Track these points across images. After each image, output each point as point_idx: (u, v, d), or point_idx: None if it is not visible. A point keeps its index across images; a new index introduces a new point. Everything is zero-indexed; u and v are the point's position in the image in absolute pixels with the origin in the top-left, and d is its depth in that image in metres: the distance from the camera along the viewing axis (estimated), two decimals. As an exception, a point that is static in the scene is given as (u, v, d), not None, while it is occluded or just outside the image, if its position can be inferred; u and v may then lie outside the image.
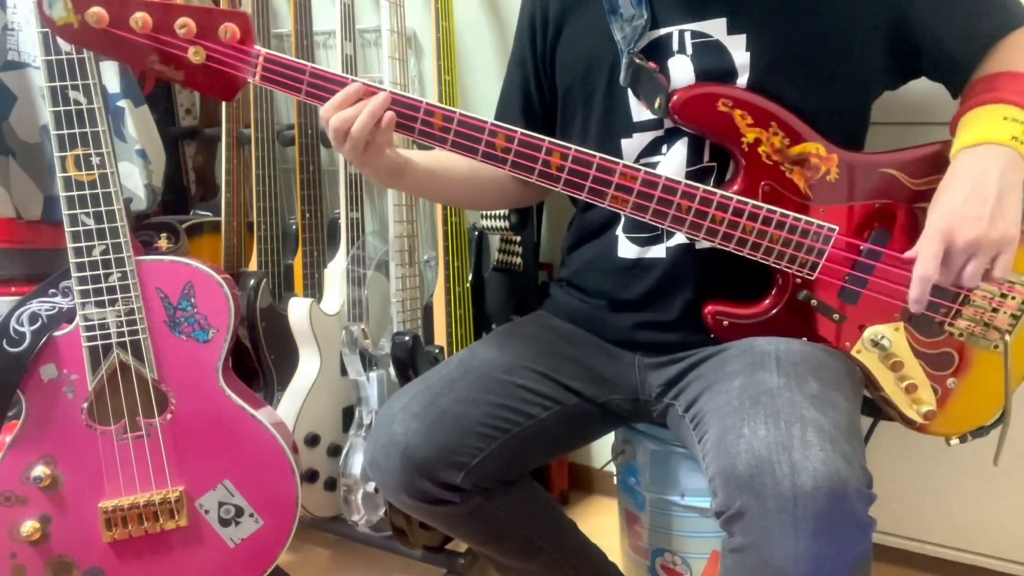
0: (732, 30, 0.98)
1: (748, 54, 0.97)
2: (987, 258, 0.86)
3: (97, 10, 0.88)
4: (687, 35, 1.00)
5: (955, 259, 0.87)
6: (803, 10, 0.96)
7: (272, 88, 0.94)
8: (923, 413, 1.00)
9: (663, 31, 1.01)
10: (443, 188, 1.12)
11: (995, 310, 0.98)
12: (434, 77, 1.49)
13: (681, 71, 1.00)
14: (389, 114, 0.92)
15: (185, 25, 0.89)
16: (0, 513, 1.18)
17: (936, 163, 0.96)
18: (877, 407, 1.06)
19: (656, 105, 0.99)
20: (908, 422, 1.02)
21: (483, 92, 1.65)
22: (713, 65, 0.98)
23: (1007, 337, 0.98)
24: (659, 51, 1.01)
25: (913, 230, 0.96)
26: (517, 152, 0.95)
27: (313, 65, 0.92)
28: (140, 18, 0.89)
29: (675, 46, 1.00)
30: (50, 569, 1.21)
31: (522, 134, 0.94)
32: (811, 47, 0.97)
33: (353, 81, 0.92)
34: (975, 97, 0.93)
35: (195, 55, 0.91)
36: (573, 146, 0.94)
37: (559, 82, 1.12)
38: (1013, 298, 0.98)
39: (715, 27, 0.98)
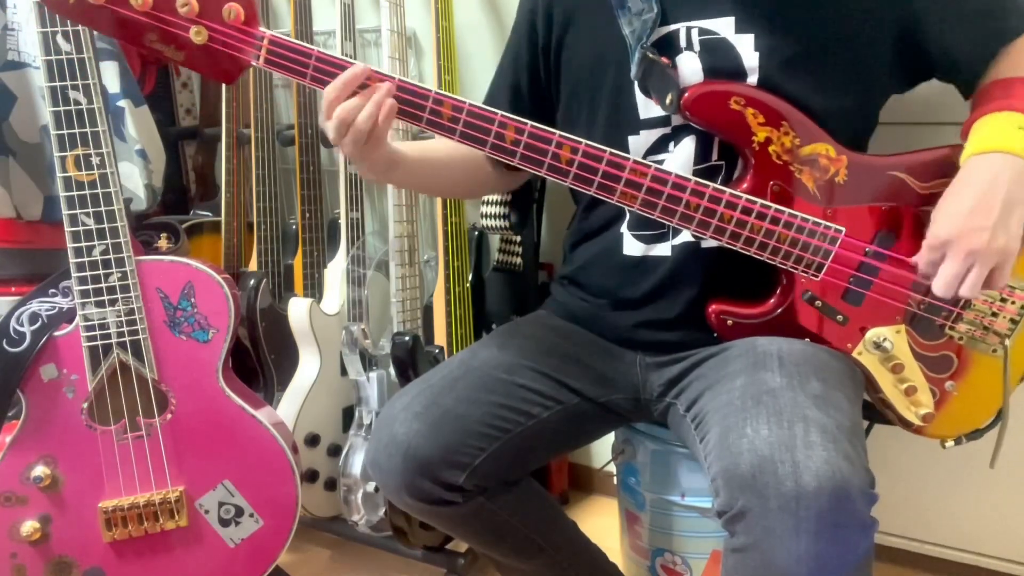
0: (740, 29, 0.97)
1: (757, 54, 0.97)
2: (986, 269, 0.87)
3: None
4: (695, 32, 0.99)
5: (955, 267, 0.87)
6: (810, 11, 0.96)
7: (276, 71, 0.91)
8: (921, 415, 1.00)
9: (671, 27, 1.00)
10: (431, 176, 1.14)
11: (995, 314, 0.98)
12: (434, 77, 1.49)
13: (689, 68, 0.99)
14: (390, 102, 0.90)
15: (187, 4, 0.86)
16: (0, 513, 1.18)
17: (944, 167, 0.95)
18: (873, 409, 1.06)
19: (667, 101, 0.98)
20: (905, 424, 1.02)
21: (483, 92, 1.63)
22: (721, 63, 0.98)
23: (1007, 342, 0.98)
24: (667, 47, 1.00)
25: (918, 233, 0.96)
26: (527, 145, 0.93)
27: (320, 50, 0.90)
28: None
29: (683, 42, 1.00)
30: (50, 569, 1.21)
31: (532, 127, 0.93)
32: (819, 48, 0.96)
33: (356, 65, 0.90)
34: (989, 103, 0.92)
35: (197, 35, 0.88)
36: (584, 140, 0.93)
37: (564, 80, 1.12)
38: (1012, 303, 0.97)
39: (723, 25, 0.98)
